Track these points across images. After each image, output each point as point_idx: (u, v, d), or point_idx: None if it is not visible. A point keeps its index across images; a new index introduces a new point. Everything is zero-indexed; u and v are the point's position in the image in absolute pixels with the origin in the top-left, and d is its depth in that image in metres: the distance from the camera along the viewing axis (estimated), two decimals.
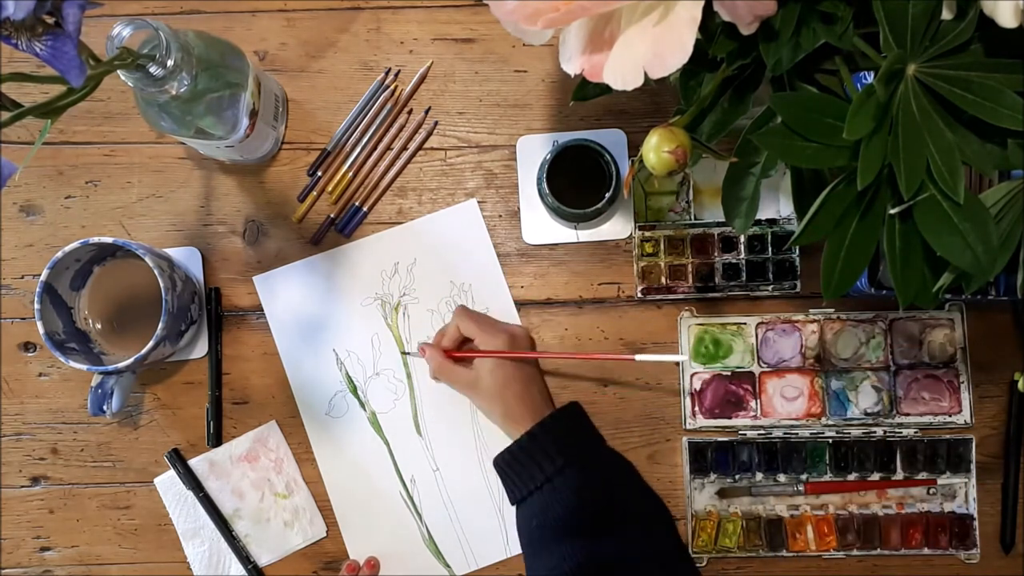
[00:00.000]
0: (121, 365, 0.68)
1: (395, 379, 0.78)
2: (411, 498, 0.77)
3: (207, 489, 0.77)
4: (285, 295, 0.78)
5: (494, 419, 0.72)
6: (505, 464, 0.68)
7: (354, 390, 0.78)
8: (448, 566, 0.76)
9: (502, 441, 0.76)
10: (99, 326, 0.74)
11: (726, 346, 0.76)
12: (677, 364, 0.76)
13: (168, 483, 0.77)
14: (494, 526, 0.76)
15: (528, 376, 0.72)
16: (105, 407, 0.69)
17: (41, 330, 0.67)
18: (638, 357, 0.68)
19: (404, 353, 0.77)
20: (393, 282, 0.78)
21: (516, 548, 0.76)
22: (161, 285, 0.68)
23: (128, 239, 0.78)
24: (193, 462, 0.77)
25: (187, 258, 0.77)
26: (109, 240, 0.68)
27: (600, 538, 0.62)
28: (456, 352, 0.73)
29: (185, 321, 0.72)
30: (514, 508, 0.73)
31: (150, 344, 0.68)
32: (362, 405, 0.78)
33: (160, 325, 0.68)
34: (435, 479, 0.77)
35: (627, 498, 0.66)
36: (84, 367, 0.67)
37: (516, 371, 0.71)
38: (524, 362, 0.72)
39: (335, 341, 0.78)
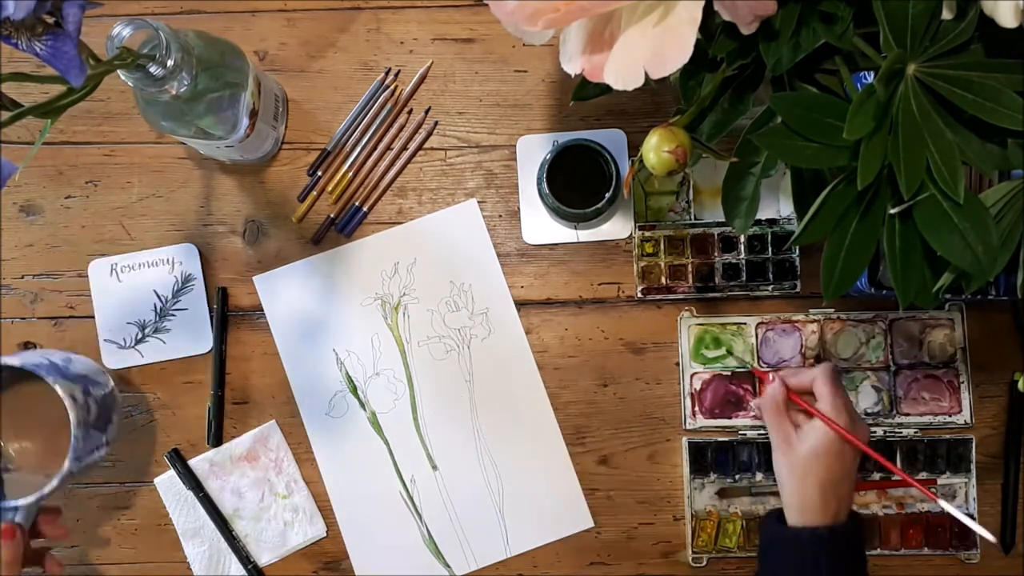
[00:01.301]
0: (20, 503, 0.63)
1: (395, 379, 0.78)
2: (411, 498, 0.77)
3: (207, 489, 0.77)
4: (285, 295, 0.78)
5: (785, 493, 0.64)
6: (784, 541, 0.63)
7: (354, 390, 0.78)
8: (448, 566, 0.76)
9: (503, 439, 0.76)
10: (17, 445, 0.69)
11: (727, 346, 0.76)
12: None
13: (168, 483, 0.77)
14: (494, 526, 0.76)
15: (849, 468, 0.64)
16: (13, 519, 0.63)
17: None
18: (942, 503, 0.64)
19: (745, 364, 0.73)
20: (393, 282, 0.78)
21: (516, 548, 0.76)
22: (72, 420, 0.62)
23: (128, 239, 0.78)
24: (193, 462, 0.77)
25: (185, 254, 0.77)
26: (15, 362, 0.63)
27: None
28: (796, 396, 0.66)
29: (100, 443, 0.67)
30: (517, 509, 0.73)
31: (53, 482, 0.62)
32: (362, 405, 0.78)
33: (67, 462, 0.63)
34: (435, 479, 0.77)
35: None
36: None
37: (836, 459, 0.63)
38: (846, 455, 0.63)
39: (335, 341, 0.78)
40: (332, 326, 0.78)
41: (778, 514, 0.65)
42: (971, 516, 0.74)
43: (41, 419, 0.68)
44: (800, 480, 0.63)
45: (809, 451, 0.63)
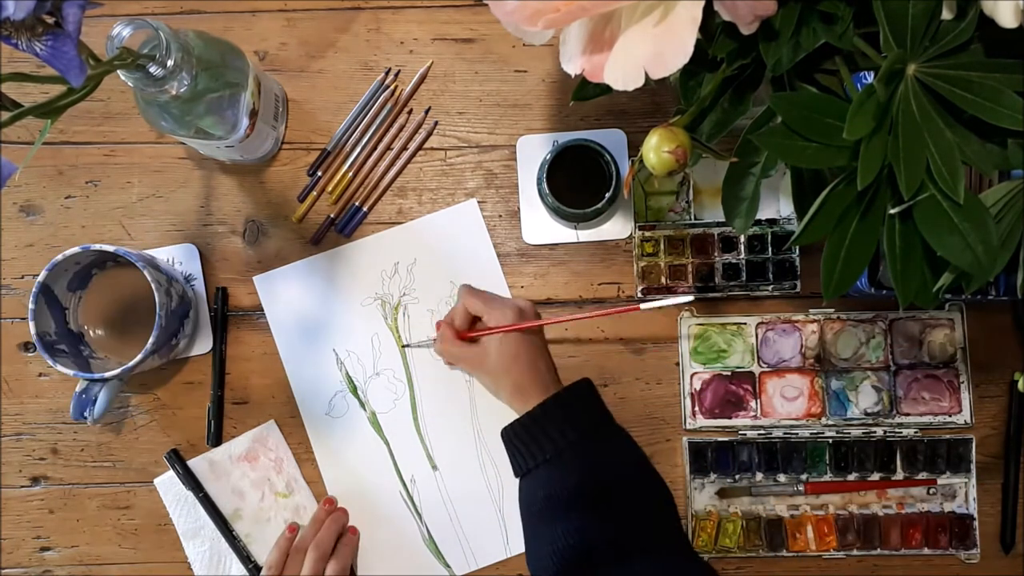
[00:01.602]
0: (107, 374, 0.68)
1: (395, 379, 0.78)
2: (411, 498, 0.77)
3: (208, 489, 0.77)
4: (285, 295, 0.78)
5: (502, 395, 0.70)
6: (514, 435, 0.66)
7: (354, 390, 0.78)
8: (448, 566, 0.76)
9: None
10: (97, 330, 0.74)
11: (726, 346, 0.76)
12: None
13: (168, 483, 0.77)
14: (494, 526, 0.76)
15: (536, 350, 0.70)
16: (87, 413, 0.69)
17: (32, 331, 0.67)
18: (643, 306, 0.67)
19: (404, 346, 0.77)
20: (393, 282, 0.78)
21: (516, 548, 0.76)
22: (156, 301, 0.68)
23: (129, 239, 0.78)
24: (193, 462, 0.77)
25: (185, 254, 0.77)
26: (110, 248, 0.68)
27: (603, 520, 0.60)
28: (467, 332, 0.72)
29: (176, 335, 0.72)
30: (515, 507, 0.73)
31: (138, 357, 0.68)
32: (362, 405, 0.78)
33: (151, 339, 0.68)
34: (435, 479, 0.77)
35: (635, 481, 0.64)
36: (70, 372, 0.67)
37: (524, 346, 0.69)
38: (531, 336, 0.70)
39: (335, 341, 0.78)
40: (332, 326, 0.78)
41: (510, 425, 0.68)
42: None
43: (126, 306, 0.75)
44: (507, 377, 0.69)
45: (497, 352, 0.69)
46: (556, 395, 0.66)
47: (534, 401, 0.66)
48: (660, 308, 0.73)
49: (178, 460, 0.77)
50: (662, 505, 0.64)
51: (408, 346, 0.77)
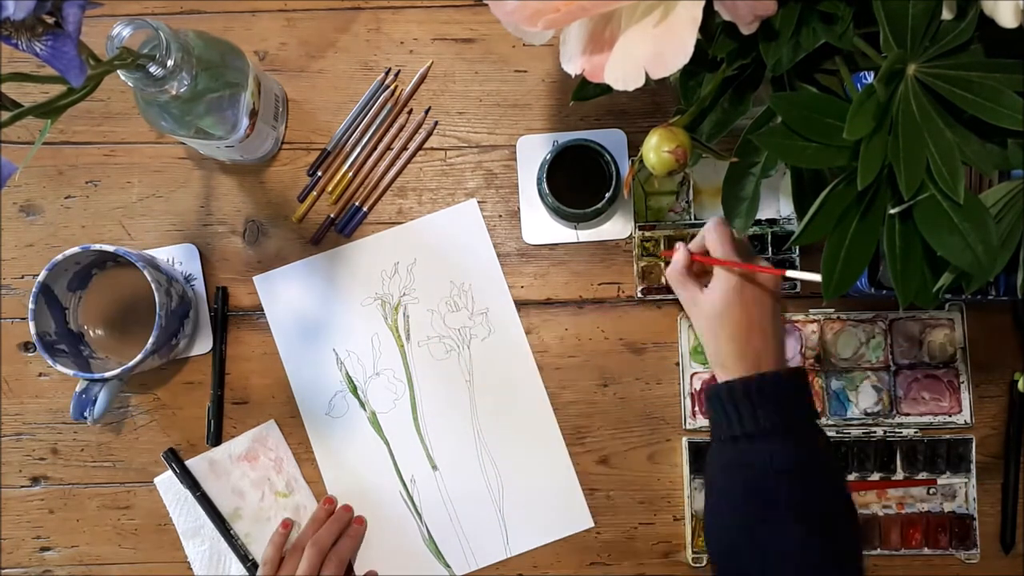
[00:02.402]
0: (107, 374, 0.68)
1: (395, 379, 0.78)
2: (411, 498, 0.77)
3: (208, 488, 0.77)
4: (285, 295, 0.78)
5: (712, 346, 0.62)
6: (730, 396, 0.60)
7: (354, 390, 0.78)
8: (448, 566, 0.76)
9: (503, 439, 0.76)
10: (97, 330, 0.74)
11: None
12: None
13: (168, 482, 0.77)
14: (494, 526, 0.76)
15: (757, 315, 0.61)
16: (87, 413, 0.69)
17: (32, 331, 0.67)
18: (789, 272, 0.60)
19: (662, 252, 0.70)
20: (393, 282, 0.78)
21: (516, 548, 0.76)
22: (156, 301, 0.68)
23: (129, 239, 0.78)
24: (193, 462, 0.77)
25: (185, 255, 0.77)
26: (110, 248, 0.68)
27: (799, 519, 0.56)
28: (702, 257, 0.64)
29: (176, 335, 0.72)
30: (517, 509, 0.73)
31: (138, 357, 0.68)
32: (362, 405, 0.78)
33: (151, 339, 0.68)
34: (435, 479, 0.77)
35: (835, 494, 0.59)
36: (70, 372, 0.67)
37: (745, 308, 0.61)
38: (762, 299, 0.62)
39: (335, 341, 0.78)
40: (332, 326, 0.78)
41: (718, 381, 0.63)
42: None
43: (126, 306, 0.75)
44: (713, 337, 0.62)
45: (712, 306, 0.62)
46: (796, 369, 0.61)
47: (745, 366, 0.60)
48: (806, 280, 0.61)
49: (175, 459, 0.77)
50: (849, 524, 0.59)
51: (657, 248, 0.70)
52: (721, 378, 0.62)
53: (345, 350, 0.78)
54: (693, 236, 0.76)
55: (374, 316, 0.78)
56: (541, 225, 0.77)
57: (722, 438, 0.61)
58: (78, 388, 0.69)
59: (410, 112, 0.79)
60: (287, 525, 0.75)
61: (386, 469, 0.77)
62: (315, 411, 0.78)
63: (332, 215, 0.78)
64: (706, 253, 0.64)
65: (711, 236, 0.63)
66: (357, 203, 0.78)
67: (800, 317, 0.76)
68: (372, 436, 0.77)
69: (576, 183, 0.71)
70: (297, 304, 0.78)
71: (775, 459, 0.57)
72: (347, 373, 0.78)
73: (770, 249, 0.76)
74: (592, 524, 0.76)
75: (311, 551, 0.72)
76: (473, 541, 0.76)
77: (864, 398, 0.76)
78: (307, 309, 0.78)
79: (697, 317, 0.64)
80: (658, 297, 0.77)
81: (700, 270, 0.65)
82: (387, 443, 0.77)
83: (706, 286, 0.63)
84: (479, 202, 0.78)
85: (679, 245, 0.66)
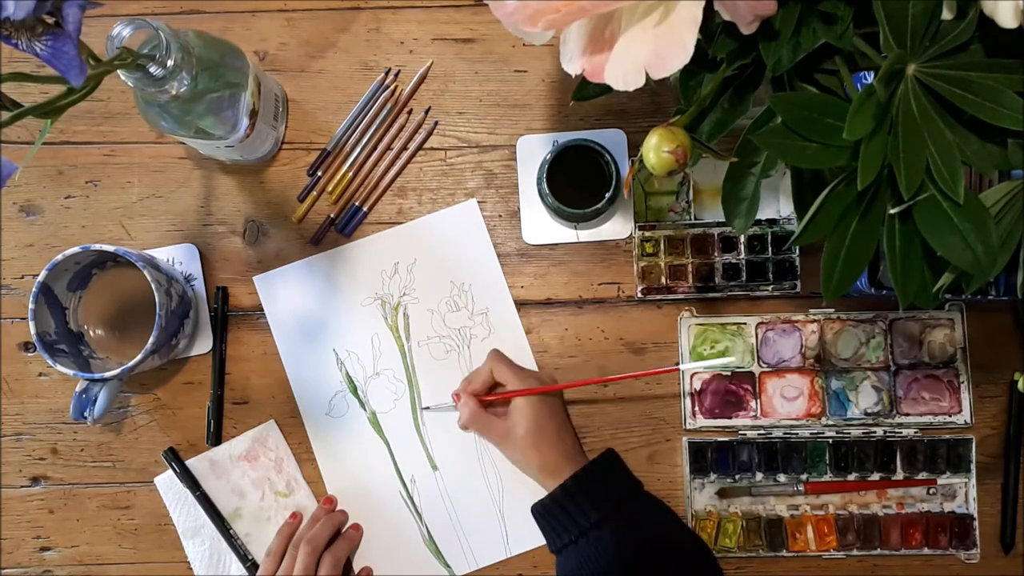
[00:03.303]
0: (107, 374, 0.68)
1: (395, 379, 0.78)
2: (411, 498, 0.77)
3: (208, 488, 0.77)
4: (285, 295, 0.78)
5: (530, 471, 0.71)
6: (545, 512, 0.68)
7: (354, 390, 0.78)
8: (448, 566, 0.76)
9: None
10: (97, 330, 0.74)
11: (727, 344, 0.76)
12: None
13: (168, 482, 0.77)
14: (494, 526, 0.76)
15: (561, 424, 0.71)
16: (87, 413, 0.69)
17: (32, 331, 0.67)
18: (683, 366, 0.69)
19: (424, 408, 0.77)
20: (393, 282, 0.78)
21: (516, 548, 0.76)
22: (156, 301, 0.68)
23: (129, 239, 0.78)
24: (193, 461, 0.77)
25: (185, 255, 0.77)
26: (110, 248, 0.68)
27: None
28: (487, 396, 0.73)
29: (176, 335, 0.72)
30: (516, 509, 0.74)
31: (138, 357, 0.68)
32: (362, 405, 0.78)
33: (151, 339, 0.68)
34: (435, 479, 0.77)
35: (671, 549, 0.66)
36: (70, 372, 0.67)
37: (549, 420, 0.70)
38: (555, 408, 0.72)
39: (335, 341, 0.78)
40: (332, 326, 0.78)
41: (539, 502, 0.69)
42: (972, 515, 0.74)
43: (126, 306, 0.75)
44: (535, 452, 0.69)
45: (525, 429, 0.69)
46: (585, 468, 0.68)
47: (563, 475, 0.68)
48: (704, 368, 0.74)
49: (175, 458, 0.77)
50: (703, 571, 0.65)
51: (428, 408, 0.77)
52: (550, 487, 0.69)
53: (345, 350, 0.78)
54: (693, 236, 0.76)
55: (374, 316, 0.78)
56: (541, 225, 0.77)
57: (564, 544, 0.67)
58: (78, 388, 0.69)
59: (410, 112, 0.79)
60: (296, 516, 0.76)
61: (386, 469, 0.77)
62: (315, 411, 0.78)
63: (332, 215, 0.78)
64: (492, 387, 0.73)
65: (498, 369, 0.72)
66: (357, 203, 0.78)
67: (800, 317, 0.76)
68: (372, 436, 0.77)
69: (576, 183, 0.71)
70: (297, 304, 0.78)
71: (611, 547, 0.64)
72: (347, 373, 0.78)
73: (770, 249, 0.76)
74: None
75: (305, 549, 0.72)
76: (473, 541, 0.76)
77: (864, 398, 0.76)
78: (307, 309, 0.78)
79: (512, 449, 0.71)
80: (658, 297, 0.77)
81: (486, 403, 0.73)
82: (387, 443, 0.77)
83: (503, 415, 0.71)
84: (479, 202, 0.78)
85: (459, 395, 0.73)
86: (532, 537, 0.76)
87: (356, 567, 0.76)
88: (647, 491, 0.70)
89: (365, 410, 0.78)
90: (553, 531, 0.68)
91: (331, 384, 0.78)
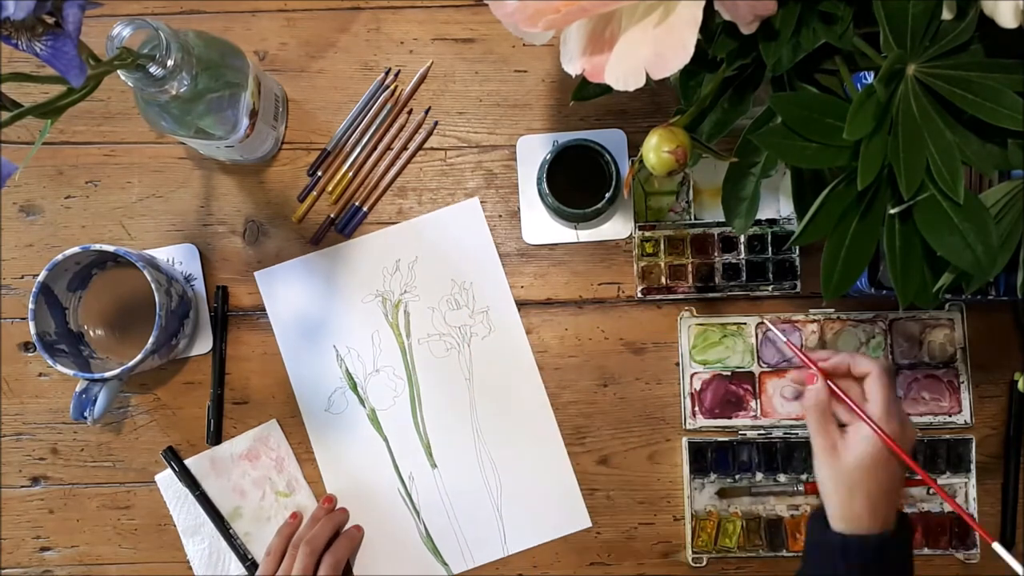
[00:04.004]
0: (107, 374, 0.68)
1: (395, 376, 0.78)
2: (409, 496, 0.77)
3: (209, 487, 0.77)
4: (286, 291, 0.78)
5: (829, 498, 0.60)
6: (824, 544, 0.60)
7: (354, 387, 0.78)
8: (445, 564, 0.76)
9: (502, 438, 0.76)
10: (97, 330, 0.74)
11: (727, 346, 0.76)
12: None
13: (169, 480, 0.77)
14: (492, 525, 0.76)
15: (898, 477, 0.60)
16: (87, 413, 0.69)
17: (32, 331, 0.67)
18: (996, 546, 0.58)
19: (799, 352, 0.64)
20: (394, 279, 0.78)
21: (514, 547, 0.76)
22: (156, 301, 0.68)
23: (129, 239, 0.78)
24: (194, 460, 0.77)
25: (185, 255, 0.77)
26: (110, 248, 0.68)
27: None
28: (840, 394, 0.61)
29: (176, 335, 0.72)
30: (515, 508, 0.74)
31: (138, 357, 0.68)
32: (361, 402, 0.78)
33: (151, 339, 0.68)
34: (433, 477, 0.77)
35: None
36: (70, 372, 0.67)
37: (886, 472, 0.59)
38: (896, 469, 0.60)
39: (336, 337, 0.78)
40: (333, 322, 0.78)
41: (823, 516, 0.61)
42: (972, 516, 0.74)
43: (126, 306, 0.75)
44: (847, 493, 0.59)
45: (856, 463, 0.58)
46: (891, 536, 0.59)
47: (859, 526, 0.59)
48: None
49: (174, 457, 0.77)
50: None
51: (764, 326, 0.69)
52: (839, 528, 0.59)
53: (345, 346, 0.78)
54: (693, 236, 0.76)
55: (375, 313, 0.78)
56: (541, 225, 0.77)
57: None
58: (78, 388, 0.69)
59: (410, 112, 0.79)
60: (296, 516, 0.76)
61: (385, 466, 0.77)
62: (314, 407, 0.78)
63: (332, 215, 0.78)
64: (851, 378, 0.61)
65: (876, 388, 0.59)
66: (357, 203, 0.78)
67: (800, 317, 0.76)
68: (371, 433, 0.77)
69: (576, 183, 0.71)
70: (298, 300, 0.78)
71: None
72: (347, 370, 0.78)
73: (770, 249, 0.76)
74: (590, 524, 0.76)
75: (305, 550, 0.72)
76: (471, 540, 0.76)
77: None
78: (308, 305, 0.78)
79: (831, 469, 0.59)
80: (658, 297, 0.77)
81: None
82: (386, 440, 0.77)
83: (842, 425, 0.60)
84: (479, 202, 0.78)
85: (817, 375, 0.61)
86: (530, 536, 0.76)
87: (355, 567, 0.76)
88: None
89: (364, 407, 0.78)
90: (812, 559, 0.61)
91: (331, 380, 0.78)
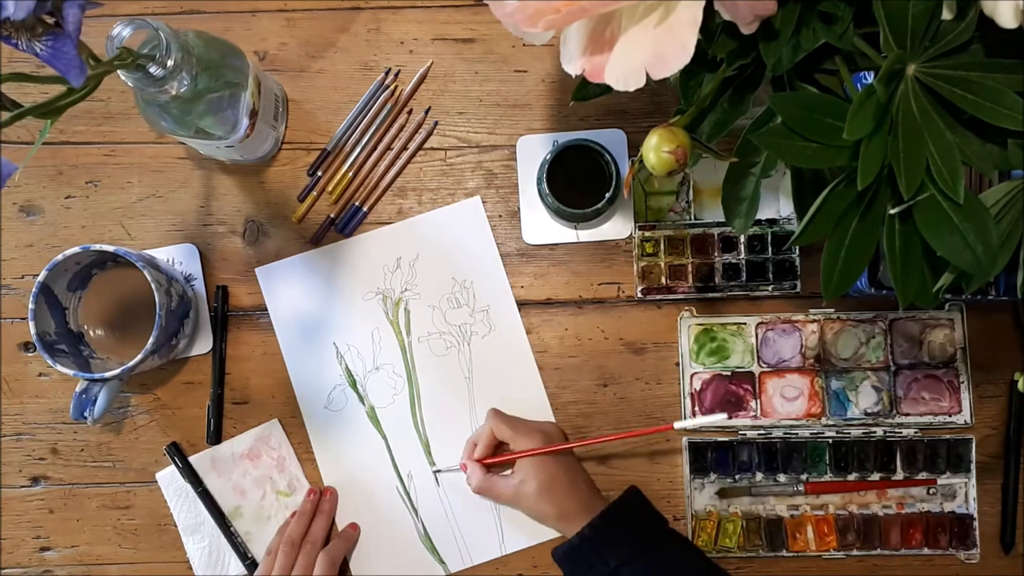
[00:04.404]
0: (107, 374, 0.68)
1: (395, 374, 0.78)
2: (407, 494, 0.77)
3: (209, 485, 0.77)
4: (287, 288, 0.78)
5: (547, 522, 0.71)
6: (566, 557, 0.68)
7: (353, 384, 0.78)
8: (443, 562, 0.76)
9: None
10: (97, 330, 0.74)
11: (727, 346, 0.76)
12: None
13: (169, 478, 0.77)
14: (490, 524, 0.76)
15: (572, 470, 0.71)
16: (87, 413, 0.69)
17: (32, 331, 0.67)
18: (676, 424, 0.68)
19: (436, 472, 0.76)
20: (395, 277, 0.78)
21: (512, 547, 0.76)
22: (156, 301, 0.68)
23: (129, 239, 0.78)
24: (195, 458, 0.77)
25: (185, 255, 0.77)
26: (110, 248, 0.68)
27: None
28: (492, 458, 0.73)
29: (176, 335, 0.72)
30: (511, 509, 0.74)
31: (138, 357, 0.68)
32: (361, 399, 0.78)
33: (151, 339, 0.68)
34: (432, 475, 0.77)
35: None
36: (70, 372, 0.68)
37: (558, 468, 0.70)
38: (563, 457, 0.71)
39: (336, 334, 0.78)
40: (333, 319, 0.78)
41: (560, 548, 0.69)
42: (966, 514, 0.74)
43: (126, 306, 0.75)
44: (550, 502, 0.69)
45: (536, 488, 0.69)
46: (604, 512, 0.67)
47: (580, 523, 0.67)
48: (696, 428, 0.74)
49: (178, 453, 0.77)
50: None
51: (439, 471, 0.76)
52: (570, 534, 0.68)
53: (345, 344, 0.78)
54: (693, 236, 0.76)
55: (375, 311, 0.78)
56: (541, 225, 0.77)
57: None
58: (78, 388, 0.69)
59: (410, 112, 0.79)
60: (313, 493, 0.76)
61: (383, 464, 0.77)
62: (314, 404, 0.78)
63: (332, 215, 0.78)
64: (496, 446, 0.73)
65: (499, 428, 0.72)
66: (357, 203, 0.78)
67: (800, 317, 0.76)
68: (370, 431, 0.77)
69: (576, 183, 0.71)
70: (298, 297, 0.78)
71: None
72: (347, 367, 0.78)
73: (770, 249, 0.76)
74: None
75: (306, 549, 0.72)
76: (468, 539, 0.76)
77: (864, 398, 0.76)
78: (308, 302, 0.78)
79: (528, 507, 0.70)
80: (658, 297, 0.77)
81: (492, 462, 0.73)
82: (385, 438, 0.77)
83: (512, 472, 0.71)
84: None
85: (465, 464, 0.74)
86: (528, 536, 0.76)
87: (352, 565, 0.76)
88: (672, 529, 0.69)
89: (364, 404, 0.78)
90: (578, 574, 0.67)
91: (330, 377, 0.78)
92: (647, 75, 0.44)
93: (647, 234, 0.76)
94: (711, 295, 0.76)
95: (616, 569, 0.64)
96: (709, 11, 0.43)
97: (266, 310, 0.78)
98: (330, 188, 0.78)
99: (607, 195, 0.70)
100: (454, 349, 0.78)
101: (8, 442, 0.78)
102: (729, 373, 0.76)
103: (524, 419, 0.74)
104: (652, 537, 0.67)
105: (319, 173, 0.79)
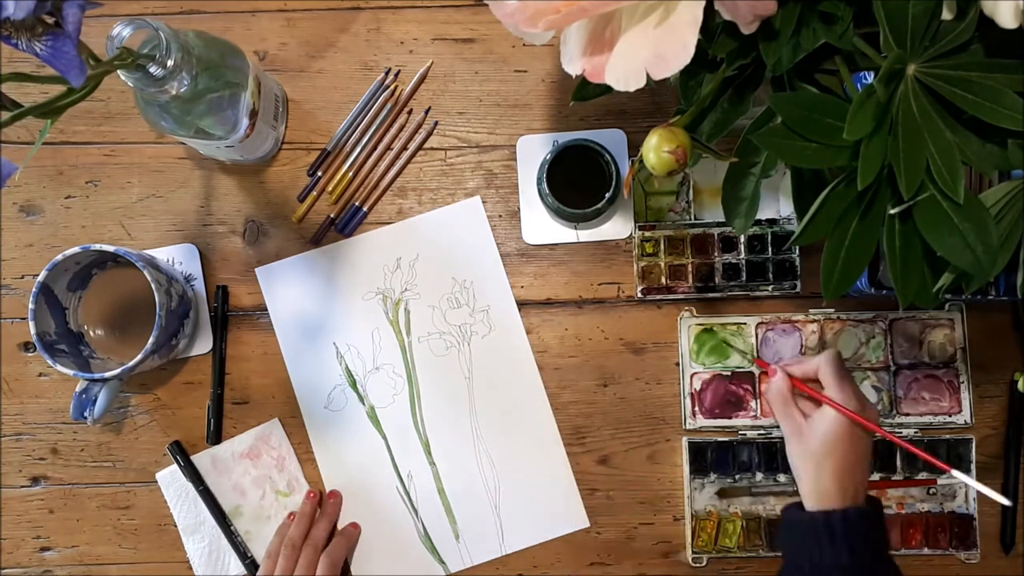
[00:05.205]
0: (107, 374, 0.68)
1: (395, 374, 0.78)
2: (407, 493, 0.77)
3: (209, 484, 0.77)
4: (287, 288, 0.78)
5: (801, 478, 0.64)
6: (802, 525, 0.63)
7: (353, 384, 0.78)
8: (442, 562, 0.76)
9: (500, 437, 0.76)
10: (97, 330, 0.74)
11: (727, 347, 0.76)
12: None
13: (170, 478, 0.77)
14: (490, 524, 0.76)
15: (862, 454, 0.63)
16: (87, 413, 0.69)
17: (32, 331, 0.67)
18: (955, 472, 0.62)
19: (754, 359, 0.70)
20: (395, 277, 0.78)
21: (511, 546, 0.76)
22: (156, 301, 0.68)
23: (129, 239, 0.78)
24: (195, 457, 0.77)
25: (185, 255, 0.77)
26: (110, 248, 0.68)
27: None
28: (803, 385, 0.65)
29: (176, 335, 0.72)
30: (513, 507, 0.74)
31: (138, 357, 0.68)
32: (361, 399, 0.78)
33: (151, 339, 0.68)
34: (432, 475, 0.77)
35: None
36: (70, 372, 0.68)
37: (855, 442, 0.62)
38: (863, 439, 0.63)
39: (336, 335, 0.78)
40: (333, 319, 0.78)
41: (797, 505, 0.64)
42: (972, 517, 0.74)
43: (126, 306, 0.75)
44: (815, 469, 0.62)
45: (821, 440, 0.62)
46: (859, 509, 0.62)
47: (829, 503, 0.62)
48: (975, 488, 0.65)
49: (180, 452, 0.77)
50: None
51: (749, 358, 0.71)
52: (810, 506, 0.62)
53: (345, 344, 0.78)
54: (693, 236, 0.76)
55: (375, 311, 0.78)
56: (541, 225, 0.77)
57: (812, 563, 0.61)
58: (78, 388, 0.69)
59: (410, 112, 0.79)
60: (293, 517, 0.76)
61: (383, 464, 0.77)
62: (314, 404, 0.78)
63: (332, 215, 0.78)
64: (812, 380, 0.65)
65: (829, 374, 0.63)
66: (357, 203, 0.78)
67: (800, 317, 0.76)
68: (370, 431, 0.77)
69: (576, 183, 0.71)
70: (298, 297, 0.78)
71: None
72: (347, 367, 0.78)
73: (770, 249, 0.76)
74: (587, 524, 0.76)
75: (285, 551, 0.72)
76: (468, 538, 0.76)
77: None
78: (308, 302, 0.78)
79: (800, 449, 0.63)
80: (658, 297, 0.77)
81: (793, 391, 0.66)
82: (385, 438, 0.77)
83: (806, 414, 0.64)
84: None
85: (776, 368, 0.65)
86: (527, 536, 0.76)
87: (353, 565, 0.76)
88: (891, 556, 0.65)
89: (364, 404, 0.78)
90: (793, 544, 0.63)
91: (330, 377, 0.78)
92: (647, 75, 0.44)
93: (647, 234, 0.76)
94: (711, 295, 0.76)
95: (827, 569, 0.60)
96: (709, 11, 0.43)
97: (266, 310, 0.78)
98: (330, 188, 0.78)
99: (607, 195, 0.70)
100: (454, 349, 0.78)
101: (8, 442, 0.78)
102: (729, 373, 0.76)
103: (853, 381, 0.65)
104: (874, 558, 0.62)
105: (319, 173, 0.79)
